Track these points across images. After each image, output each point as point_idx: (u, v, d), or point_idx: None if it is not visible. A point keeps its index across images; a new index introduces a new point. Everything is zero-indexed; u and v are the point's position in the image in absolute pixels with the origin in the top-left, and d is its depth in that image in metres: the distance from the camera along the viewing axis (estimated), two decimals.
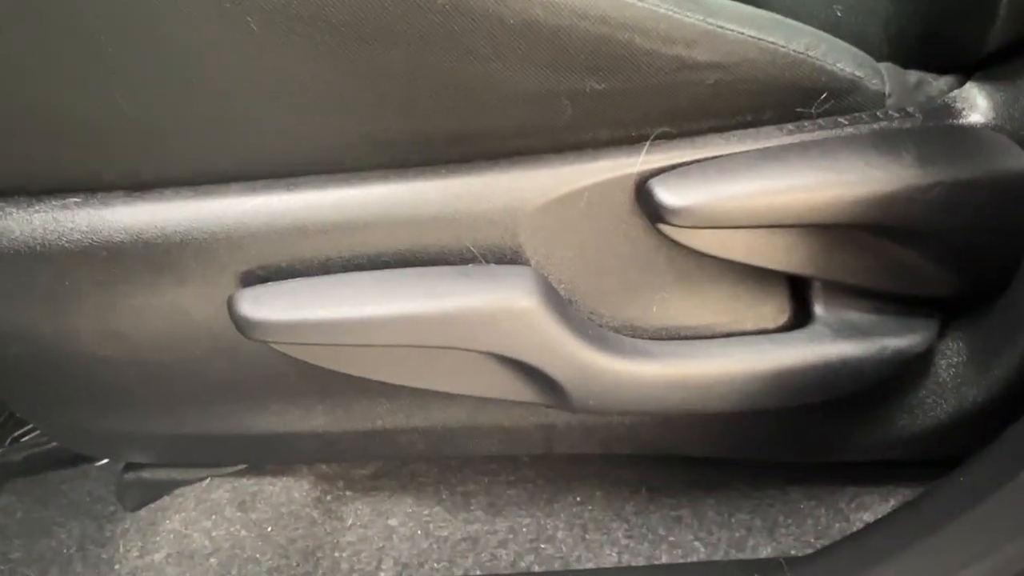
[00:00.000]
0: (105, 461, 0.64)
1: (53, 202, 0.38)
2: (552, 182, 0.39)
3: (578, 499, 0.51)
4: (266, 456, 0.50)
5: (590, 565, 0.47)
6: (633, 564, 0.47)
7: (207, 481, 0.51)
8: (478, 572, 0.47)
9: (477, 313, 0.38)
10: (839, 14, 0.50)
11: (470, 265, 0.39)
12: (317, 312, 0.37)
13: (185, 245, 0.39)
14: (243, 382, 0.44)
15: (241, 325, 0.38)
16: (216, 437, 0.47)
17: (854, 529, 0.49)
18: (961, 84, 0.42)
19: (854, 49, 0.42)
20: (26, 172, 0.38)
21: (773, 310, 0.44)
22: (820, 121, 0.40)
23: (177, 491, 0.51)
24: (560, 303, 0.40)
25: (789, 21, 0.41)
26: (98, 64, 0.33)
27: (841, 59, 0.39)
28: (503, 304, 0.38)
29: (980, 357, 0.44)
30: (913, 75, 0.43)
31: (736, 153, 0.38)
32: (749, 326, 0.44)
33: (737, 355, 0.43)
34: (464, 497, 0.51)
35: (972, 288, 0.44)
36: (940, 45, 0.43)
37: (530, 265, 0.40)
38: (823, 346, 0.43)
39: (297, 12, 0.32)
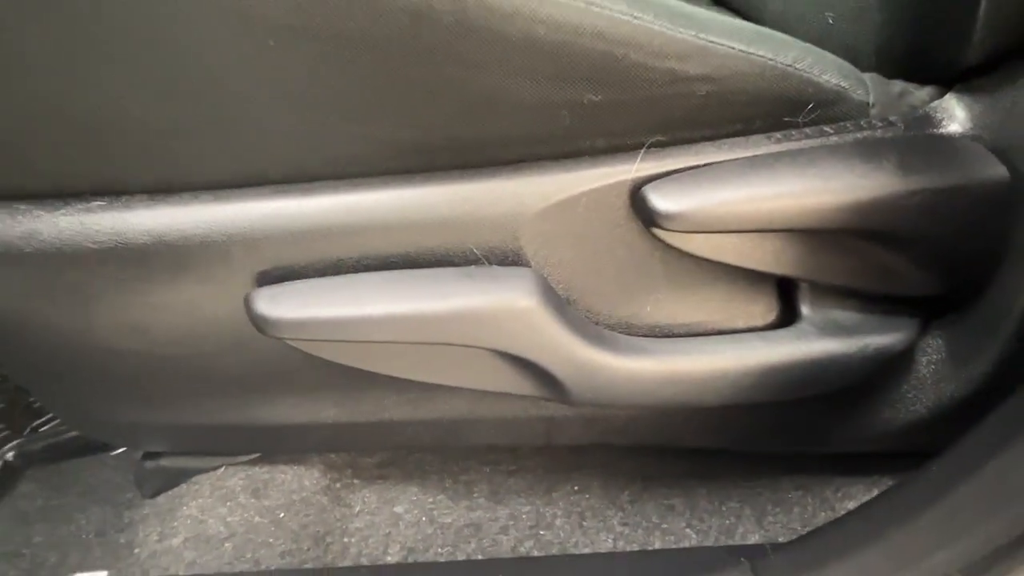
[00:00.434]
0: (121, 450, 0.66)
1: (79, 205, 0.40)
2: (551, 188, 0.41)
3: (576, 488, 0.54)
4: (278, 445, 0.53)
5: (587, 551, 0.50)
6: (628, 550, 0.50)
7: (222, 469, 0.54)
8: (480, 557, 0.49)
9: (480, 312, 0.40)
10: (830, 21, 0.52)
11: (473, 266, 0.41)
12: (330, 310, 0.39)
13: (204, 246, 0.41)
14: (257, 375, 0.46)
15: (258, 322, 0.40)
16: (231, 427, 0.49)
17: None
18: (942, 95, 0.44)
19: (840, 61, 0.44)
20: (53, 177, 0.40)
21: (762, 309, 0.47)
22: (807, 130, 0.42)
23: (193, 479, 0.54)
24: (559, 303, 0.42)
25: (777, 34, 0.43)
26: (122, 75, 0.35)
27: (827, 71, 0.41)
28: (505, 304, 0.40)
29: (958, 354, 0.46)
30: (897, 85, 0.45)
31: (727, 161, 0.40)
32: (739, 324, 0.46)
33: (728, 352, 0.45)
34: (467, 486, 0.54)
35: (951, 289, 0.46)
36: (923, 57, 0.45)
37: (530, 267, 0.42)
38: (809, 344, 0.45)
39: (313, 28, 0.34)
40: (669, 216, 0.39)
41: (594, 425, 0.51)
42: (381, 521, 0.51)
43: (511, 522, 0.51)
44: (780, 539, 0.50)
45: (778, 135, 0.42)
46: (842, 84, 0.42)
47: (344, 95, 0.37)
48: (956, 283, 0.45)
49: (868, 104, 0.43)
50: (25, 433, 0.67)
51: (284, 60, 0.35)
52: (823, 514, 0.52)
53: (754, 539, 0.50)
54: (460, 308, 0.40)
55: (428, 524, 0.51)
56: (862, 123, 0.43)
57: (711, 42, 0.37)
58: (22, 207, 0.40)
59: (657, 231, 0.41)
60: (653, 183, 0.40)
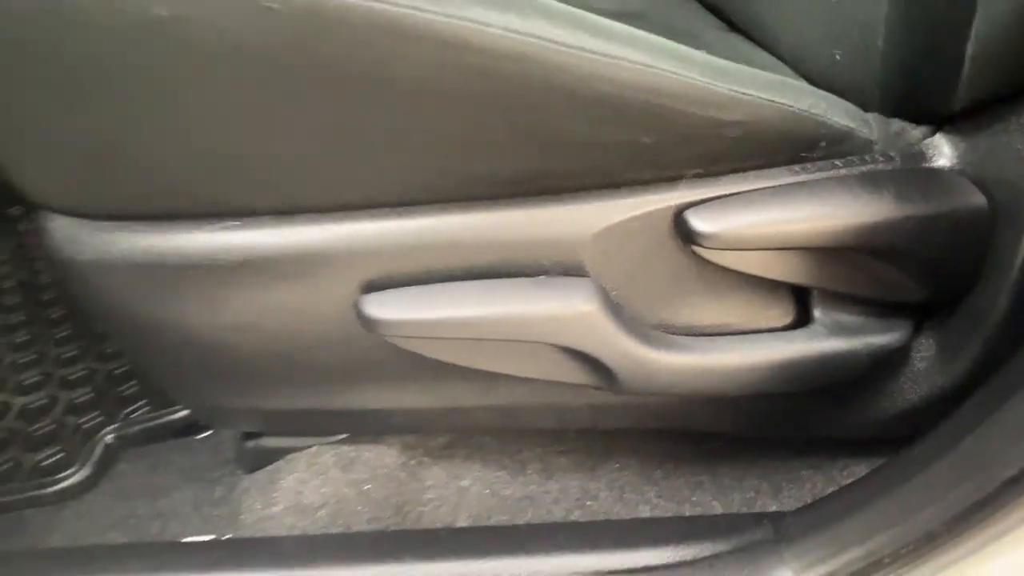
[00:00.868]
0: (206, 434, 0.74)
1: (217, 225, 0.48)
2: (606, 213, 0.49)
3: (617, 466, 0.62)
4: (364, 427, 0.61)
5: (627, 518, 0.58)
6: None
7: (314, 448, 0.62)
8: (533, 521, 0.57)
9: (549, 314, 0.48)
10: (837, 58, 0.60)
11: (543, 277, 0.49)
12: (428, 313, 0.48)
13: (318, 259, 0.49)
14: (352, 367, 0.54)
15: (367, 323, 0.48)
16: (325, 412, 0.57)
17: None
18: (933, 134, 0.52)
19: (848, 104, 0.52)
20: (198, 201, 0.48)
21: (780, 312, 0.55)
22: (820, 164, 0.50)
23: (289, 456, 0.62)
24: (613, 306, 0.50)
25: (796, 83, 0.51)
26: (262, 118, 0.43)
27: (837, 114, 0.50)
28: (570, 308, 0.48)
29: (947, 351, 0.54)
30: (895, 124, 0.53)
31: (754, 190, 0.49)
32: (761, 325, 0.55)
33: (752, 349, 0.53)
34: (522, 463, 0.62)
35: (940, 296, 0.54)
36: (918, 99, 0.53)
37: (590, 277, 0.50)
38: (820, 342, 0.54)
39: (416, 85, 0.42)
40: (707, 236, 0.48)
41: (632, 411, 0.59)
42: (450, 494, 0.59)
43: (561, 495, 0.60)
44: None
45: (796, 168, 0.50)
46: (850, 124, 0.50)
47: (441, 138, 0.45)
48: (944, 291, 0.53)
49: (871, 141, 0.51)
50: (120, 419, 0.76)
51: (398, 110, 0.43)
52: (829, 489, 0.60)
53: (772, 509, 0.58)
54: (533, 311, 0.48)
55: (490, 496, 0.59)
56: (866, 158, 0.51)
57: (744, 93, 0.46)
58: (171, 225, 0.48)
59: (695, 248, 0.49)
60: (693, 208, 0.48)
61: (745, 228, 0.48)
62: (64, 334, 0.90)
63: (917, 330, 0.56)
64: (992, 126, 0.49)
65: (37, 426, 0.76)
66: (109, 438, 0.73)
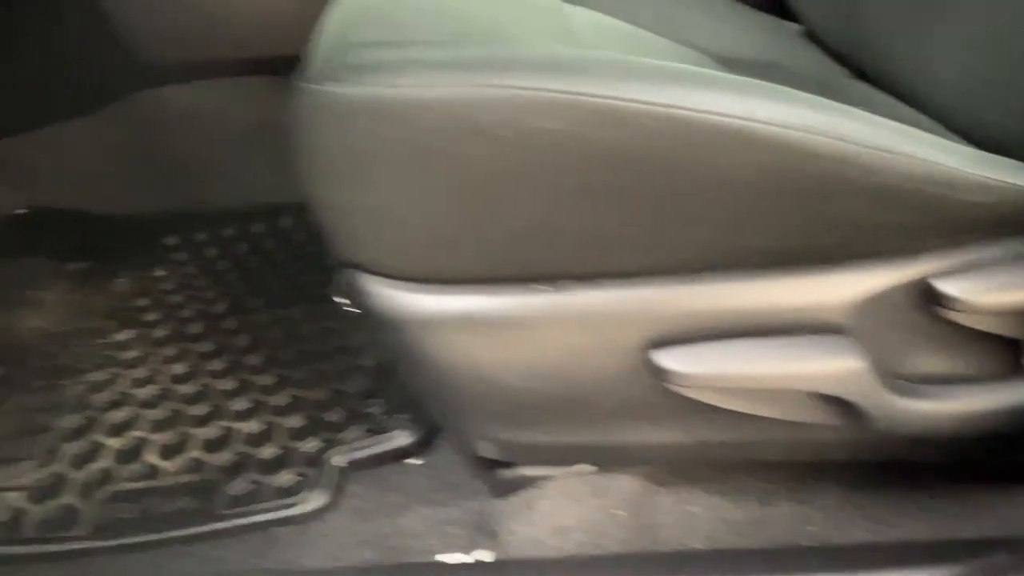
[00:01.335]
0: (427, 458, 0.82)
1: (524, 288, 0.56)
2: (861, 280, 0.57)
3: (827, 493, 0.69)
4: (616, 458, 0.68)
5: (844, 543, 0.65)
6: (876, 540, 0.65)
7: (566, 476, 0.69)
8: (763, 546, 0.65)
9: (818, 369, 0.56)
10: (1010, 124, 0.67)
11: (810, 336, 0.57)
12: (716, 367, 0.56)
13: (612, 318, 0.57)
14: (623, 407, 0.62)
15: (658, 373, 0.56)
16: (587, 445, 0.65)
17: None
18: None
19: None
20: (516, 267, 0.56)
21: (999, 362, 0.62)
22: None
23: (540, 483, 0.69)
24: (866, 358, 0.58)
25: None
26: (584, 199, 0.51)
27: None
28: (836, 363, 0.56)
29: None
30: None
31: (995, 259, 0.56)
32: (982, 374, 0.62)
33: (973, 395, 0.61)
34: (741, 491, 0.69)
35: None
36: None
37: (848, 335, 0.57)
38: None
39: (717, 177, 0.49)
40: (957, 301, 0.55)
41: (852, 445, 0.66)
42: (682, 519, 0.67)
43: (781, 520, 0.67)
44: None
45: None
46: None
47: (730, 219, 0.52)
48: None
49: None
50: (342, 443, 0.84)
51: (700, 197, 0.51)
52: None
53: (974, 535, 0.65)
54: (805, 367, 0.56)
55: (720, 521, 0.66)
56: None
57: (995, 179, 0.53)
58: (491, 288, 0.56)
59: (941, 310, 0.56)
60: (941, 277, 0.56)
61: (992, 294, 0.55)
62: (257, 362, 0.99)
63: None
64: None
65: (264, 450, 0.84)
66: (339, 461, 0.81)
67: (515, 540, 0.65)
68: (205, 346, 1.03)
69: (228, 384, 0.95)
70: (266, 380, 0.95)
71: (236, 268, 1.22)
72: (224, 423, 0.89)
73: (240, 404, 0.92)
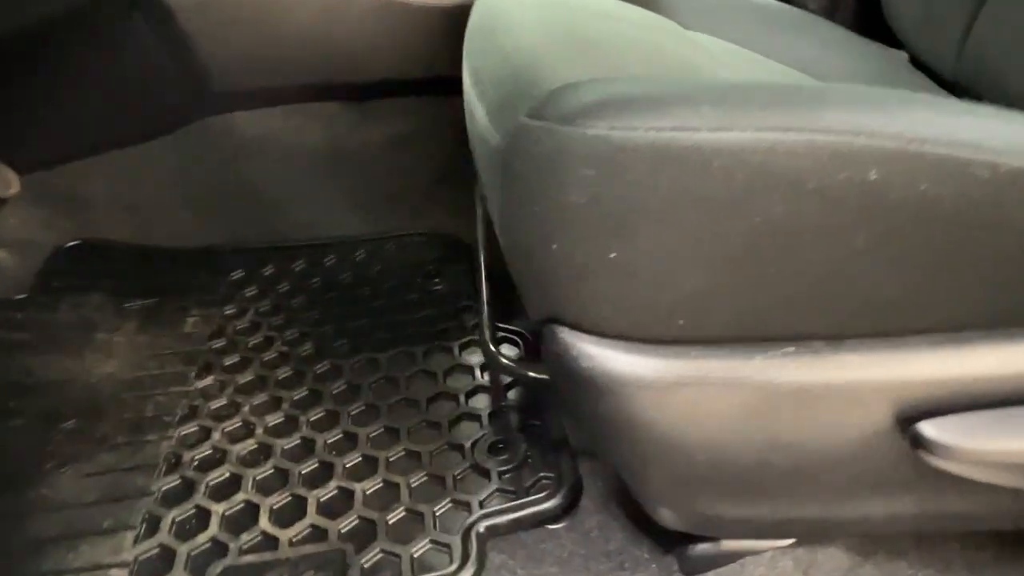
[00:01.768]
0: (562, 524, 0.75)
1: (774, 351, 0.50)
2: None
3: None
4: (828, 531, 0.62)
5: None
6: None
7: (770, 552, 0.63)
8: None
9: None
10: None
11: None
12: (992, 440, 0.49)
13: (865, 381, 0.50)
14: (854, 479, 0.55)
15: (920, 444, 0.50)
16: (801, 518, 0.58)
17: None
18: None
19: None
20: (762, 326, 0.49)
21: None
22: None
23: (743, 560, 0.63)
24: None
25: None
26: (875, 253, 0.45)
27: None
28: None
29: None
30: None
31: None
32: None
33: None
34: (946, 561, 0.63)
35: None
36: None
37: None
38: None
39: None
40: None
41: None
42: None
43: None
44: None
45: None
46: None
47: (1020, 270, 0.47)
48: None
49: None
50: (489, 504, 0.76)
51: (1000, 251, 0.45)
52: None
53: None
54: None
55: None
56: None
57: None
58: (730, 349, 0.50)
59: None
60: None
61: None
62: (358, 410, 0.91)
63: None
64: None
65: (390, 514, 0.76)
66: (479, 527, 0.74)
67: None
68: (298, 393, 0.95)
69: (331, 436, 0.87)
70: (373, 431, 0.88)
71: (312, 305, 1.14)
72: (338, 482, 0.81)
73: (350, 459, 0.84)
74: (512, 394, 0.93)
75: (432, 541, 0.73)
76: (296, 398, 0.94)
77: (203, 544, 0.74)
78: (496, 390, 0.93)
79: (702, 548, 0.62)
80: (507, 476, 0.80)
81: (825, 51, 1.02)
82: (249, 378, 0.98)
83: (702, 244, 0.44)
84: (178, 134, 1.18)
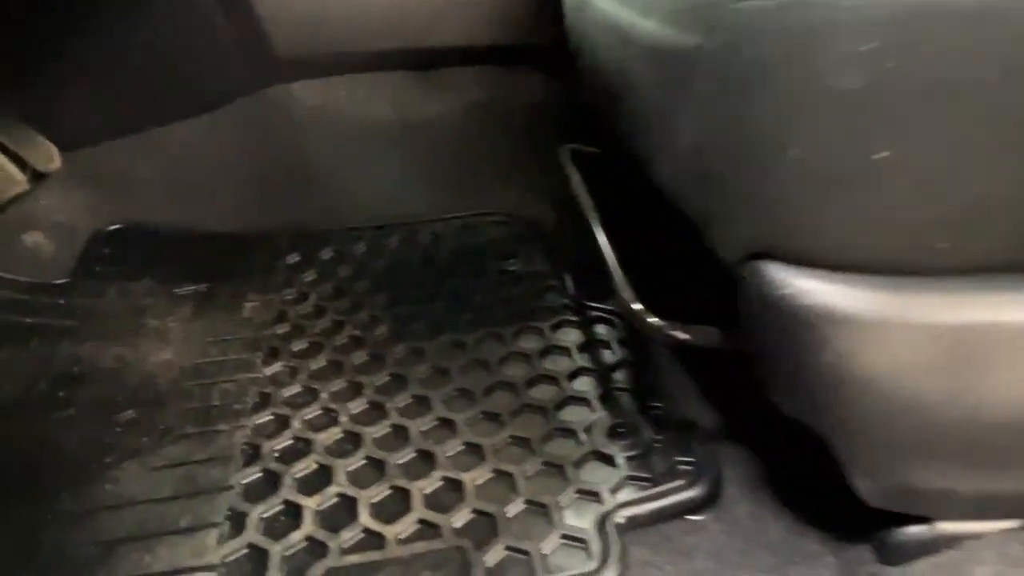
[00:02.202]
0: (706, 515, 0.66)
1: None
2: None
3: None
4: None
5: None
6: None
7: (1000, 535, 0.53)
8: None
9: None
10: None
11: None
12: None
13: None
14: None
15: None
16: None
17: None
18: None
19: None
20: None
21: None
22: None
23: (962, 546, 0.53)
24: None
25: None
26: None
27: None
28: None
29: None
30: None
31: None
32: None
33: None
34: None
35: None
36: None
37: None
38: None
39: None
40: None
41: None
42: None
43: None
44: None
45: None
46: None
47: None
48: None
49: None
50: (619, 495, 0.67)
51: None
52: None
53: None
54: None
55: None
56: None
57: None
58: (980, 281, 0.41)
59: None
60: None
61: None
62: (449, 395, 0.82)
63: None
64: None
65: (508, 507, 0.67)
66: (616, 519, 0.64)
67: None
68: (379, 378, 0.86)
69: (425, 423, 0.78)
70: (470, 416, 0.79)
71: (379, 288, 1.05)
72: (442, 472, 0.71)
73: (451, 448, 0.75)
74: (618, 376, 0.84)
75: (564, 536, 0.64)
76: (378, 384, 0.85)
77: (298, 543, 0.65)
78: (602, 371, 0.84)
79: (913, 531, 0.53)
80: (635, 463, 0.71)
81: None
82: (322, 364, 0.88)
83: (1005, 134, 0.36)
84: (230, 108, 1.10)
